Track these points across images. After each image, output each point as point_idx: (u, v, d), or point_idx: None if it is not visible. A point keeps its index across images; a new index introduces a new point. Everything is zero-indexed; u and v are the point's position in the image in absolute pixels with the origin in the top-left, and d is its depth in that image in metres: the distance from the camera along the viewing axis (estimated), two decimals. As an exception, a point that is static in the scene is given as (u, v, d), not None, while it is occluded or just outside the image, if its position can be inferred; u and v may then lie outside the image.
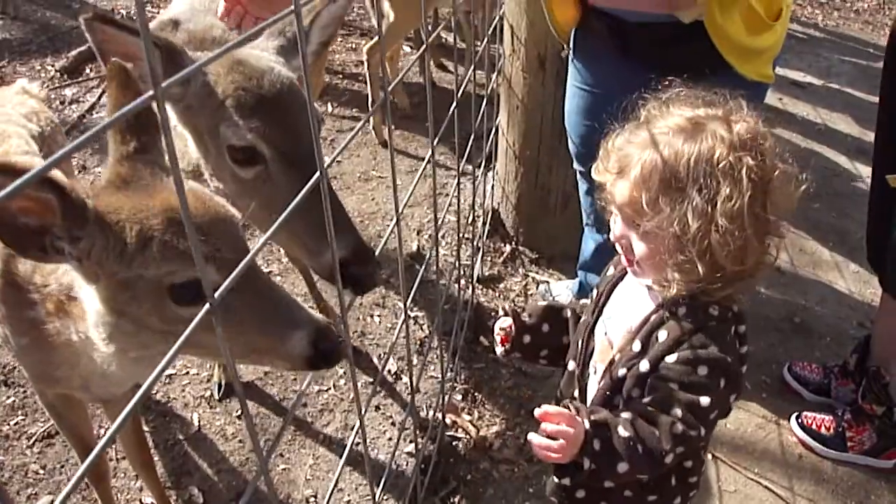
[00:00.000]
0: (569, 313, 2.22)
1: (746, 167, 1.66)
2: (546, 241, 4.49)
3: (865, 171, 5.72)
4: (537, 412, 1.77)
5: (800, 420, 3.43)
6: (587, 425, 1.70)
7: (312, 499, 3.09)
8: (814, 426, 3.39)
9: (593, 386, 2.02)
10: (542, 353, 2.25)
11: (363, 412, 1.88)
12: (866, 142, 6.25)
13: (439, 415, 3.30)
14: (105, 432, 3.30)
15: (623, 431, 1.70)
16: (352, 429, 3.37)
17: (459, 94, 2.75)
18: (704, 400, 1.71)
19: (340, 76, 6.72)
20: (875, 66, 3.21)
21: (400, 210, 2.03)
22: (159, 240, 1.52)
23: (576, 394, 2.08)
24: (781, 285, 4.30)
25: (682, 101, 1.84)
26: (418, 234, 4.59)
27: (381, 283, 1.84)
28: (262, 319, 1.63)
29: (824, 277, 4.52)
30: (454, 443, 3.34)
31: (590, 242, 3.65)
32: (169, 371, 3.63)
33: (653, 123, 1.81)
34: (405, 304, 2.24)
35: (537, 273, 4.40)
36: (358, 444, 3.26)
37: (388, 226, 4.63)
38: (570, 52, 3.19)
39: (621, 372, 1.86)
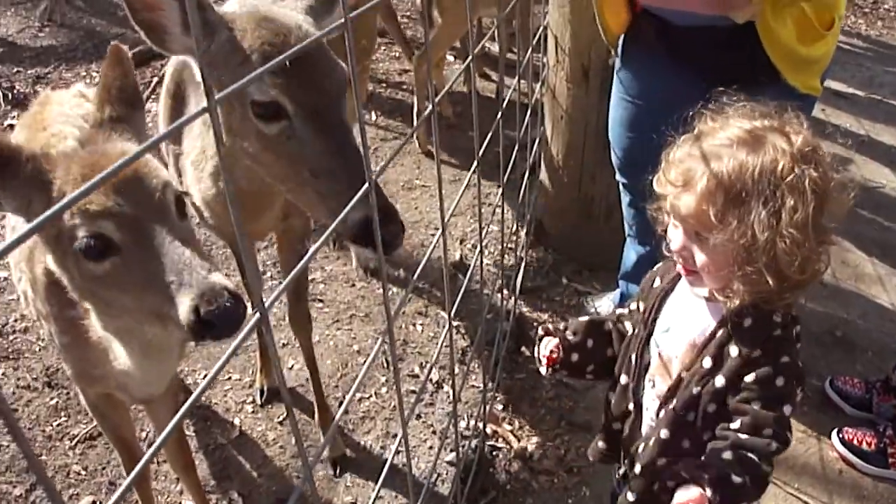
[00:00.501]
0: (610, 325, 2.21)
1: (809, 178, 1.69)
2: (589, 251, 4.47)
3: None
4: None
5: (841, 435, 3.39)
6: (709, 493, 1.68)
7: (353, 505, 3.11)
8: (855, 441, 3.35)
9: (650, 399, 2.04)
10: (589, 369, 2.21)
11: (406, 420, 1.88)
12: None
13: (480, 424, 3.30)
14: (146, 435, 3.33)
15: (736, 479, 1.70)
16: (393, 436, 3.39)
17: (504, 104, 2.76)
18: (787, 409, 1.76)
19: (384, 85, 6.74)
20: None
21: (446, 220, 2.04)
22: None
23: (629, 407, 2.09)
24: (823, 298, 4.26)
25: (737, 113, 1.86)
26: (461, 243, 4.59)
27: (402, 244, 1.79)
28: (148, 278, 1.59)
29: (866, 291, 4.48)
30: (494, 452, 3.34)
31: (632, 253, 3.64)
32: (203, 377, 3.66)
33: (712, 136, 1.82)
34: (449, 314, 2.25)
35: (580, 283, 4.39)
36: (399, 451, 3.28)
37: (432, 235, 4.65)
38: (618, 59, 3.18)
39: (695, 390, 1.87)
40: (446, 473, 3.21)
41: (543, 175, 4.56)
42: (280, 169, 2.00)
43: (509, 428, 3.46)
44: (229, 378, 3.66)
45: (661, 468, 1.96)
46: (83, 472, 3.21)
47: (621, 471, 2.21)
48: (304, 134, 1.93)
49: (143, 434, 3.33)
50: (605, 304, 4.06)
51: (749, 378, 1.79)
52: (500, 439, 3.40)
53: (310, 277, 4.21)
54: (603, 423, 2.25)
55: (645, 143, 2.60)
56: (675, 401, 1.92)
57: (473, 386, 3.50)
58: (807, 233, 1.68)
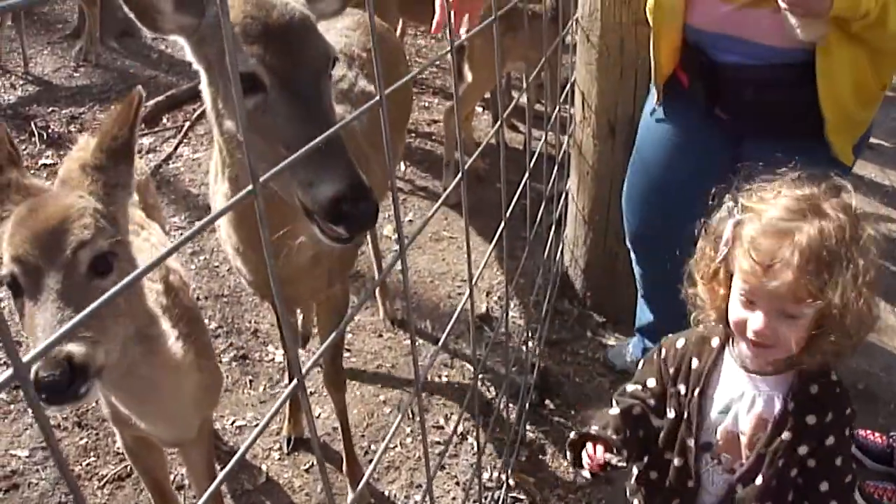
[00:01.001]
0: (639, 409, 2.16)
1: (868, 237, 1.77)
2: (614, 306, 4.52)
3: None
4: None
5: (862, 489, 3.39)
6: None
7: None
8: (876, 496, 3.36)
9: (716, 475, 2.06)
10: (631, 457, 2.12)
11: (432, 473, 1.93)
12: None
13: (503, 476, 3.34)
14: (175, 477, 3.38)
15: None
16: (417, 486, 3.43)
17: (533, 158, 2.83)
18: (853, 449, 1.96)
19: (413, 135, 6.80)
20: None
21: (474, 276, 2.08)
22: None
23: (690, 484, 2.09)
24: (847, 351, 4.28)
25: (781, 185, 1.90)
26: (487, 295, 4.65)
27: (375, 223, 1.75)
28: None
29: (890, 344, 4.49)
30: (516, 504, 3.38)
31: (646, 311, 3.72)
32: (239, 422, 3.71)
33: (768, 211, 1.83)
34: (475, 367, 2.29)
35: (604, 337, 4.43)
36: (424, 503, 3.33)
37: (458, 287, 4.70)
38: (658, 107, 3.22)
39: (781, 463, 1.93)
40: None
41: (570, 229, 4.62)
42: (259, 147, 1.93)
43: (532, 480, 3.50)
44: (257, 424, 3.70)
45: None
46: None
47: None
48: (279, 106, 1.90)
49: (173, 476, 3.38)
50: (628, 353, 4.10)
51: (829, 441, 1.91)
52: (523, 492, 3.44)
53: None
54: (650, 501, 2.24)
55: (666, 213, 2.64)
56: (761, 477, 1.96)
57: (497, 438, 3.54)
58: (873, 291, 1.75)
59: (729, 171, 2.02)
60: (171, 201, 5.35)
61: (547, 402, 3.93)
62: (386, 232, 5.22)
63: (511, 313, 4.40)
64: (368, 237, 4.38)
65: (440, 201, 1.85)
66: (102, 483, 3.39)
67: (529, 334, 4.03)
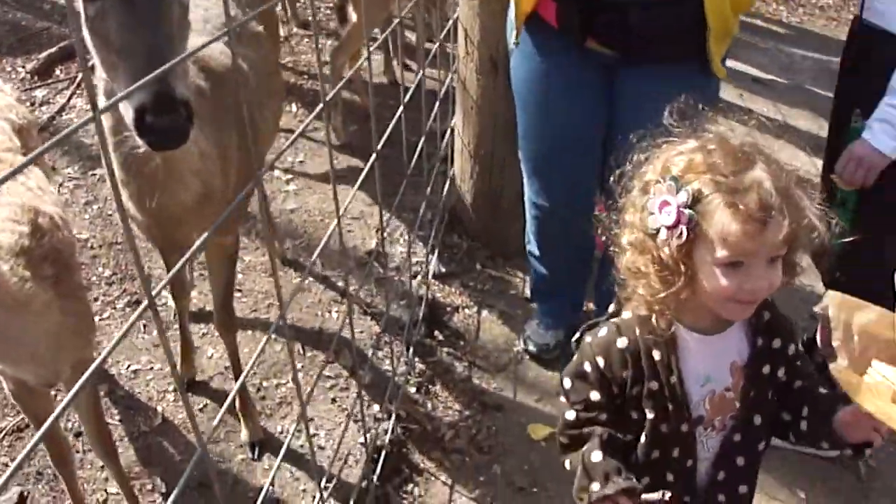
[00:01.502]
0: (607, 435, 1.92)
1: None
2: (502, 237, 4.59)
3: (826, 167, 5.86)
4: None
5: None
6: None
7: (270, 487, 3.19)
8: None
9: (711, 441, 1.95)
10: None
11: (304, 404, 1.97)
12: (825, 138, 6.37)
13: (392, 407, 3.41)
14: (73, 425, 3.39)
15: None
16: (310, 420, 3.48)
17: (407, 95, 2.87)
18: None
19: (306, 76, 6.78)
20: (837, 61, 3.30)
21: (341, 210, 2.12)
22: None
23: (688, 463, 1.96)
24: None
25: (694, 141, 1.79)
26: (377, 232, 4.68)
27: (182, 139, 1.74)
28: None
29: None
30: (407, 434, 3.46)
31: (541, 270, 3.80)
32: (134, 366, 3.73)
33: (713, 172, 1.69)
34: (348, 299, 2.32)
35: (494, 269, 4.52)
36: (314, 434, 3.39)
37: (348, 224, 4.74)
38: (515, 45, 3.19)
39: (770, 394, 1.92)
40: (359, 455, 3.31)
41: (456, 164, 4.68)
42: (100, 58, 1.87)
43: (422, 410, 3.58)
44: (151, 368, 3.73)
45: (743, 496, 2.02)
46: (11, 464, 3.26)
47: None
48: (113, 10, 1.79)
49: (70, 424, 3.39)
50: (535, 335, 4.03)
51: (791, 350, 1.92)
52: (414, 421, 3.52)
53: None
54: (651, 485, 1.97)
55: (564, 174, 2.63)
56: (757, 416, 1.92)
57: (387, 370, 3.61)
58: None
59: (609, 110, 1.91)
60: (65, 152, 5.28)
61: (436, 333, 4.01)
62: (277, 174, 5.24)
63: (399, 248, 4.47)
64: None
65: (297, 132, 1.87)
66: (1, 436, 3.38)
67: (418, 269, 4.09)
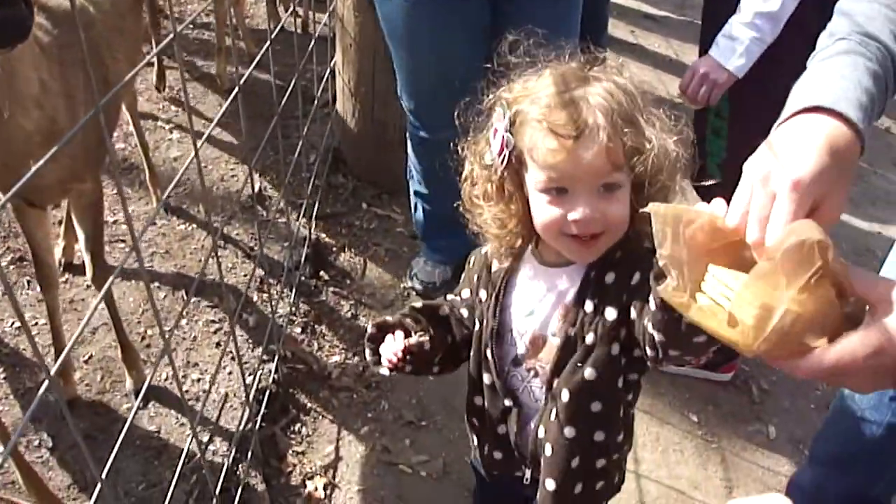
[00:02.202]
0: (447, 310, 1.97)
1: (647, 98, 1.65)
2: (387, 176, 4.59)
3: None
4: None
5: None
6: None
7: (156, 434, 3.19)
8: None
9: (536, 388, 1.82)
10: (436, 360, 1.92)
11: (168, 345, 1.96)
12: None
13: (276, 347, 3.41)
14: None
15: None
16: (194, 365, 3.47)
17: (273, 33, 2.84)
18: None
19: (191, 26, 6.68)
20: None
21: (198, 147, 2.09)
22: None
23: (507, 403, 1.86)
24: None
25: (542, 66, 1.68)
26: (261, 175, 4.65)
27: (22, 34, 1.67)
28: None
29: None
30: (293, 374, 3.47)
31: (426, 207, 3.81)
32: (17, 323, 3.68)
33: (539, 89, 1.63)
34: (213, 240, 2.30)
35: (380, 208, 4.52)
36: (198, 379, 3.39)
37: (232, 169, 4.70)
38: None
39: (590, 340, 1.67)
40: (243, 397, 3.31)
41: (338, 103, 4.66)
42: None
43: (308, 350, 3.59)
44: (36, 323, 3.68)
45: (572, 440, 1.76)
46: None
47: (528, 475, 1.95)
48: None
49: None
50: (422, 272, 4.05)
51: (636, 279, 1.61)
52: (300, 361, 3.52)
53: (112, 219, 4.23)
54: (481, 430, 2.00)
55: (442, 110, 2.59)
56: (570, 362, 1.71)
57: (274, 312, 3.61)
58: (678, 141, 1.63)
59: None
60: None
61: (322, 273, 4.02)
62: (160, 123, 5.17)
63: (283, 192, 4.45)
64: (131, 125, 4.34)
65: (148, 58, 1.82)
66: None
67: (303, 210, 4.07)
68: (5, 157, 2.50)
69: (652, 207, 1.18)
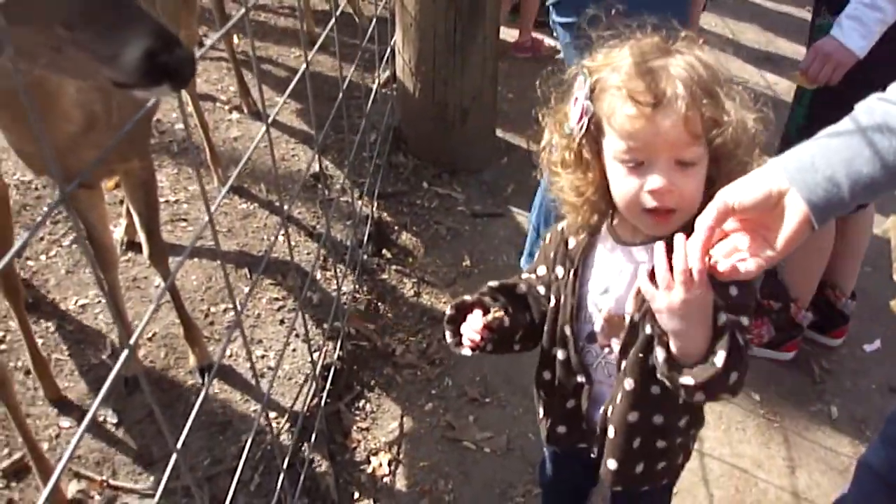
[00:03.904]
0: (524, 289, 1.96)
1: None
2: (447, 156, 4.60)
3: (773, 79, 5.88)
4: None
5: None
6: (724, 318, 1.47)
7: (220, 411, 3.21)
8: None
9: (611, 366, 1.84)
10: (517, 338, 1.92)
11: (240, 322, 1.96)
12: (773, 52, 6.41)
13: (341, 325, 3.41)
14: (21, 363, 3.36)
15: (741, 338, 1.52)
16: (258, 342, 3.49)
17: (337, 12, 2.84)
18: (744, 320, 1.60)
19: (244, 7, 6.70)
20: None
21: (269, 126, 2.09)
22: None
23: (580, 379, 1.88)
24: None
25: (625, 39, 1.66)
26: (322, 153, 4.66)
27: (195, 70, 1.49)
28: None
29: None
30: (358, 351, 3.48)
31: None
32: (82, 301, 3.71)
33: (622, 59, 1.62)
34: (283, 220, 2.30)
35: (440, 187, 4.52)
36: (263, 356, 3.40)
37: (293, 149, 4.72)
38: None
39: (648, 329, 1.64)
40: (309, 373, 3.32)
41: (399, 82, 4.65)
42: (27, 40, 1.59)
43: (372, 327, 3.59)
44: (99, 301, 3.71)
45: (634, 424, 1.79)
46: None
47: (595, 450, 1.96)
48: None
49: (20, 363, 3.37)
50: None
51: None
52: (364, 338, 3.53)
53: (174, 198, 4.27)
54: (548, 404, 2.02)
55: None
56: (634, 348, 1.71)
57: (336, 290, 3.61)
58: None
59: None
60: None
61: (384, 251, 4.02)
62: (219, 104, 5.19)
63: (346, 171, 4.45)
64: (191, 106, 4.36)
65: (213, 40, 1.81)
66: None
67: (365, 189, 4.08)
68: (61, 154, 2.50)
69: (894, 219, 1.18)
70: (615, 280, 1.77)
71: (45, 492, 1.23)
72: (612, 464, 1.86)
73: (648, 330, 1.63)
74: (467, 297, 1.86)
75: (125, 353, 1.42)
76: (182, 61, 1.55)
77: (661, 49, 1.61)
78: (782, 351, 3.52)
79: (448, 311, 1.87)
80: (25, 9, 1.50)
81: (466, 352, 1.82)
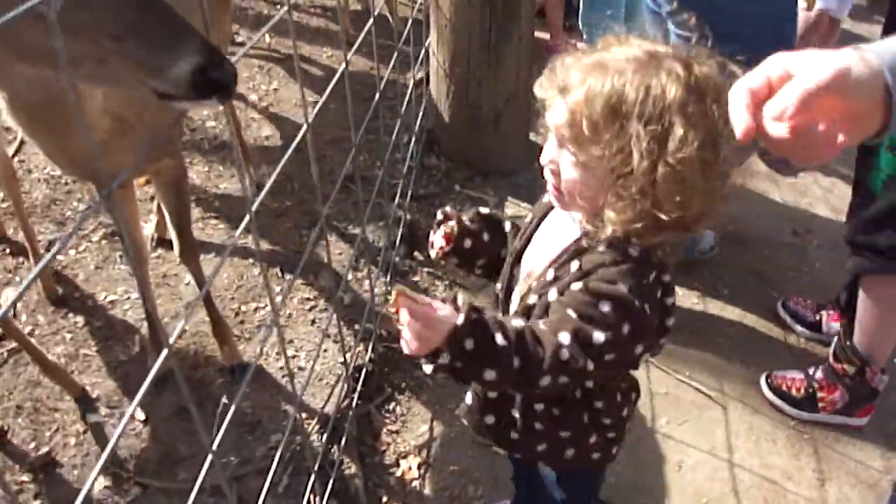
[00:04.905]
0: (508, 226, 2.05)
1: (701, 111, 1.52)
2: (480, 158, 4.57)
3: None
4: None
5: (769, 381, 3.41)
6: (460, 320, 1.51)
7: (249, 411, 3.19)
8: (783, 387, 3.36)
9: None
10: (479, 263, 2.04)
11: (277, 323, 1.94)
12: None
13: (372, 326, 3.39)
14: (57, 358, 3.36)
15: (501, 339, 1.54)
16: (290, 342, 3.47)
17: (375, 12, 2.81)
18: (598, 336, 1.56)
19: (278, 6, 6.71)
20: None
21: (308, 122, 2.07)
22: None
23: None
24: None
25: (643, 38, 1.65)
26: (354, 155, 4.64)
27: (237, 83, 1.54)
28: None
29: (759, 188, 4.63)
30: (389, 353, 3.45)
31: None
32: (111, 297, 3.70)
33: (607, 49, 1.62)
34: (322, 222, 2.28)
35: (472, 190, 4.49)
36: (293, 356, 3.38)
37: (321, 149, 4.70)
38: None
39: (532, 299, 1.74)
40: (341, 374, 3.29)
41: (432, 85, 4.63)
42: (73, 50, 1.56)
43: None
44: (128, 297, 3.70)
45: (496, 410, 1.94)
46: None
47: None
48: None
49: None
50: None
51: (576, 286, 1.63)
52: (396, 340, 3.49)
53: (205, 196, 4.27)
54: None
55: None
56: (516, 309, 1.82)
57: (367, 291, 3.58)
58: (692, 168, 1.51)
59: None
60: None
61: (416, 254, 4.00)
62: (251, 102, 5.19)
63: (377, 172, 4.43)
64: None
65: (254, 40, 1.81)
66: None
67: (398, 190, 4.05)
68: (86, 160, 2.49)
69: None
70: (544, 239, 1.86)
71: (83, 493, 1.21)
72: (489, 419, 1.99)
73: (532, 300, 1.74)
74: (449, 209, 2.02)
75: (163, 354, 1.44)
76: (229, 77, 1.62)
77: (645, 59, 1.56)
78: (856, 417, 3.34)
79: (437, 216, 2.03)
80: (76, 20, 1.53)
81: (432, 253, 2.01)
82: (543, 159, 1.69)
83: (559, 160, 1.65)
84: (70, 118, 2.08)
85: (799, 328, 3.69)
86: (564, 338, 1.55)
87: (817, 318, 3.66)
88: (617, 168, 1.54)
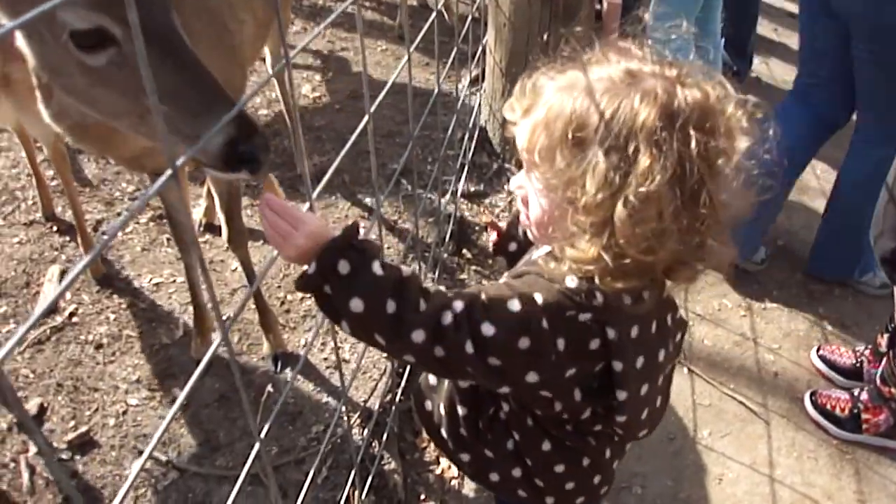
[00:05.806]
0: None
1: (678, 142, 1.33)
2: (531, 158, 4.51)
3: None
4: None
5: (814, 399, 3.35)
6: (337, 235, 1.44)
7: (290, 400, 3.17)
8: (828, 406, 3.30)
9: None
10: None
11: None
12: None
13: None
14: (92, 337, 3.35)
15: (378, 269, 1.42)
16: (336, 332, 3.45)
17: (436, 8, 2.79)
18: (487, 329, 1.42)
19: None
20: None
21: (370, 115, 2.05)
22: None
23: None
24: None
25: (630, 53, 1.48)
26: (411, 149, 4.63)
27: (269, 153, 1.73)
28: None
29: (810, 203, 4.57)
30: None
31: None
32: (156, 280, 3.70)
33: (588, 68, 1.45)
34: (377, 210, 2.25)
35: (522, 190, 4.46)
36: (338, 348, 3.35)
37: (378, 141, 4.68)
38: None
39: None
40: (385, 368, 3.27)
41: (487, 82, 4.60)
42: (114, 103, 1.71)
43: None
44: (174, 280, 3.70)
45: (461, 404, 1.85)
46: (31, 375, 3.23)
47: None
48: (132, 56, 1.60)
49: (91, 336, 3.35)
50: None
51: (506, 276, 1.63)
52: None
53: (255, 183, 4.25)
54: None
55: None
56: None
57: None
58: (658, 207, 1.33)
59: None
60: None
61: (464, 251, 3.96)
62: (304, 91, 5.19)
63: (428, 167, 4.41)
64: (277, 91, 4.35)
65: (315, 32, 1.80)
66: (23, 347, 3.34)
67: (447, 187, 4.03)
68: (130, 163, 2.54)
69: None
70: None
71: (126, 484, 1.18)
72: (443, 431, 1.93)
73: None
74: (493, 220, 2.07)
75: (215, 343, 1.42)
76: (260, 150, 1.68)
77: (623, 78, 1.40)
78: None
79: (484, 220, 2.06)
80: (121, 78, 1.64)
81: (493, 236, 2.02)
82: (512, 185, 1.61)
83: (526, 185, 1.54)
84: (108, 133, 2.15)
85: (839, 378, 3.52)
86: (458, 305, 1.43)
87: (857, 364, 3.50)
88: (576, 199, 1.38)
